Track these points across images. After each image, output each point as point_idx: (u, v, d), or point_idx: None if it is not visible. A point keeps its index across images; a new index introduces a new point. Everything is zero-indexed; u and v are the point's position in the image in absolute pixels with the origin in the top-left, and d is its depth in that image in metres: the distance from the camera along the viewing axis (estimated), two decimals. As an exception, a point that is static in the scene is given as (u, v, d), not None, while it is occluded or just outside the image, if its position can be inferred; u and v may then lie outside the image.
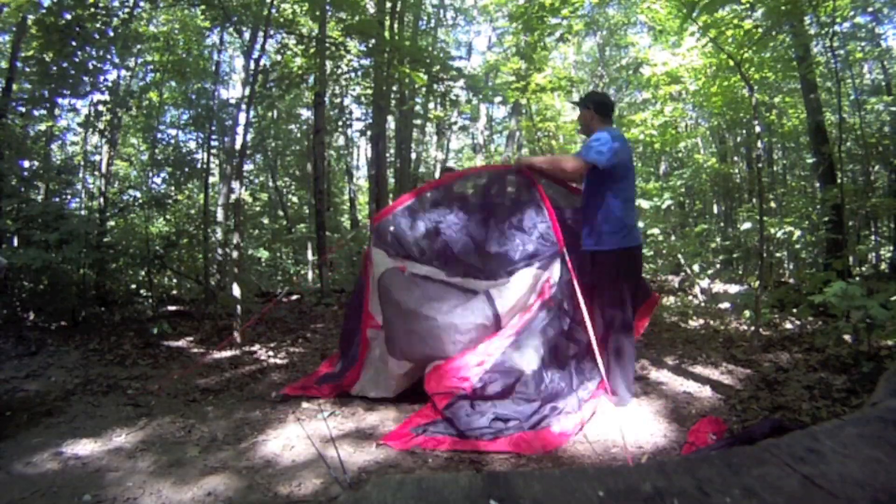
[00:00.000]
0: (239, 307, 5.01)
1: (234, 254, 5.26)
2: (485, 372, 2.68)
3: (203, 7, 6.56)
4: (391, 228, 3.29)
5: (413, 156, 14.18)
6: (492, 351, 2.75)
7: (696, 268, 7.44)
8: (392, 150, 12.01)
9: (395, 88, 8.51)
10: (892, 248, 9.46)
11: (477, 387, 2.65)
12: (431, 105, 13.33)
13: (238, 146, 5.80)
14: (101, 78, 6.28)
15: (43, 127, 7.14)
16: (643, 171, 11.14)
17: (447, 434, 2.54)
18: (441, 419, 2.62)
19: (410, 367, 3.00)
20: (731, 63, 5.82)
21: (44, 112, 6.83)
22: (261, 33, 6.24)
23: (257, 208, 14.92)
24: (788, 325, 4.96)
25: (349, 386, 3.23)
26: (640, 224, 7.75)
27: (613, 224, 2.89)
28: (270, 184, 15.29)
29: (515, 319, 2.88)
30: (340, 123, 12.24)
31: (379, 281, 3.17)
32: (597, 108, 3.11)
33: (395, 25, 8.77)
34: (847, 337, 3.86)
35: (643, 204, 7.25)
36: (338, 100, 10.59)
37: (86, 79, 5.89)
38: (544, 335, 2.84)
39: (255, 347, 4.81)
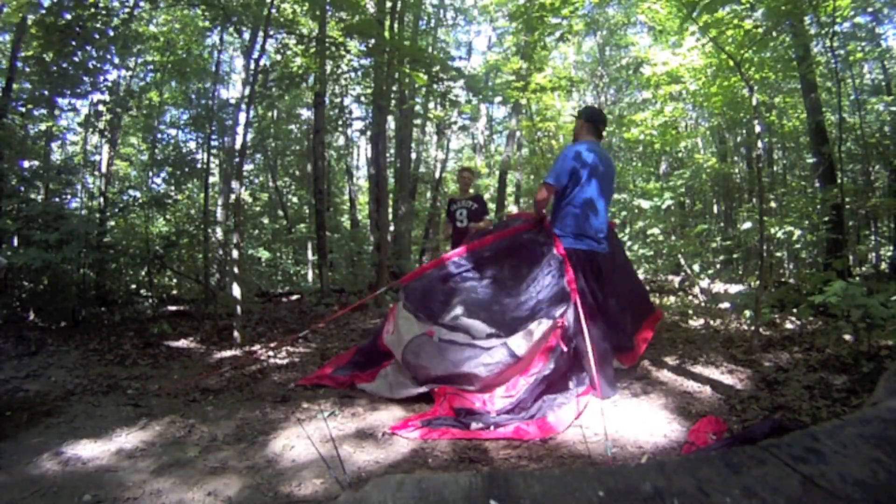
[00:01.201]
0: (239, 307, 5.01)
1: (235, 253, 5.25)
2: (510, 403, 2.88)
3: (203, 7, 6.55)
4: (420, 291, 3.53)
5: (413, 156, 14.18)
6: (519, 388, 2.96)
7: (696, 268, 7.44)
8: (392, 150, 12.01)
9: (395, 88, 8.50)
10: (892, 248, 9.47)
11: (501, 411, 2.86)
12: (431, 105, 13.33)
13: (238, 146, 5.79)
14: (101, 78, 6.27)
15: (43, 127, 7.13)
16: (643, 171, 11.15)
17: (452, 427, 2.67)
18: (448, 416, 2.78)
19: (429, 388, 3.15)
20: (731, 63, 5.82)
21: (44, 112, 6.83)
22: (261, 33, 6.23)
23: (257, 208, 14.93)
24: (788, 325, 4.95)
25: (360, 381, 3.44)
26: (640, 223, 7.76)
27: (563, 228, 3.20)
28: (270, 184, 15.30)
29: (537, 359, 3.05)
30: (340, 123, 12.23)
31: (407, 346, 3.29)
32: (587, 118, 3.32)
33: (395, 25, 8.77)
34: (847, 337, 3.85)
35: (643, 204, 7.25)
36: (338, 100, 10.58)
37: (86, 79, 5.88)
38: (558, 365, 3.00)
39: (256, 347, 4.80)
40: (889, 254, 9.22)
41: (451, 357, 3.12)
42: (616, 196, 7.26)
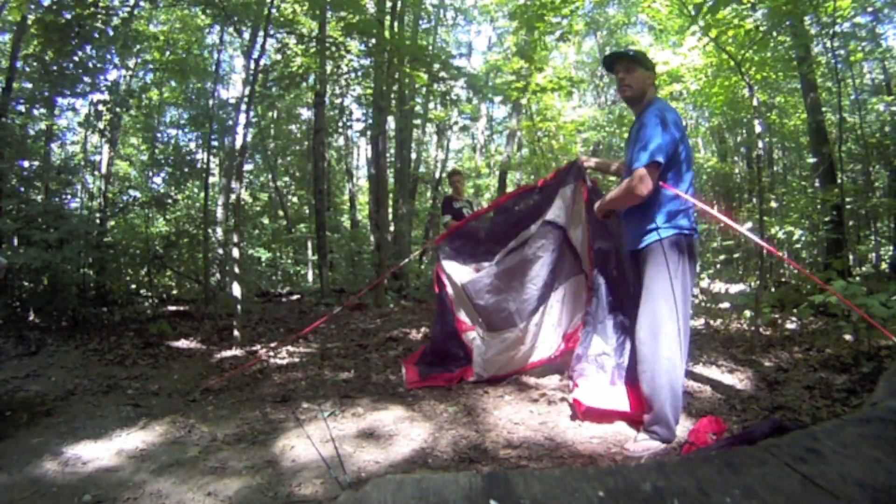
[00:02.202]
0: (239, 307, 5.01)
1: (235, 253, 5.25)
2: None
3: (203, 6, 6.55)
4: (457, 245, 3.77)
5: (413, 156, 14.19)
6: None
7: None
8: (392, 150, 12.01)
9: (395, 88, 8.50)
10: (892, 248, 9.47)
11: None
12: (431, 105, 13.34)
13: (238, 146, 5.80)
14: (101, 78, 6.28)
15: (43, 126, 7.14)
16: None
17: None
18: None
19: (505, 339, 3.44)
20: (732, 63, 5.82)
21: (44, 111, 6.83)
22: (261, 33, 6.24)
23: (257, 208, 14.95)
24: (789, 325, 4.96)
25: (470, 376, 3.58)
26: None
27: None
28: (270, 184, 15.31)
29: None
30: (340, 123, 12.25)
31: (469, 293, 3.59)
32: (654, 69, 2.43)
33: (395, 25, 8.77)
34: (847, 337, 3.86)
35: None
36: (338, 100, 10.59)
37: (86, 78, 5.89)
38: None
39: (256, 347, 4.80)
40: (889, 254, 9.22)
41: (502, 283, 3.43)
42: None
